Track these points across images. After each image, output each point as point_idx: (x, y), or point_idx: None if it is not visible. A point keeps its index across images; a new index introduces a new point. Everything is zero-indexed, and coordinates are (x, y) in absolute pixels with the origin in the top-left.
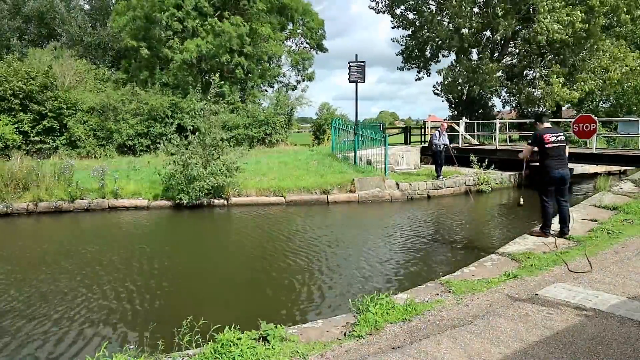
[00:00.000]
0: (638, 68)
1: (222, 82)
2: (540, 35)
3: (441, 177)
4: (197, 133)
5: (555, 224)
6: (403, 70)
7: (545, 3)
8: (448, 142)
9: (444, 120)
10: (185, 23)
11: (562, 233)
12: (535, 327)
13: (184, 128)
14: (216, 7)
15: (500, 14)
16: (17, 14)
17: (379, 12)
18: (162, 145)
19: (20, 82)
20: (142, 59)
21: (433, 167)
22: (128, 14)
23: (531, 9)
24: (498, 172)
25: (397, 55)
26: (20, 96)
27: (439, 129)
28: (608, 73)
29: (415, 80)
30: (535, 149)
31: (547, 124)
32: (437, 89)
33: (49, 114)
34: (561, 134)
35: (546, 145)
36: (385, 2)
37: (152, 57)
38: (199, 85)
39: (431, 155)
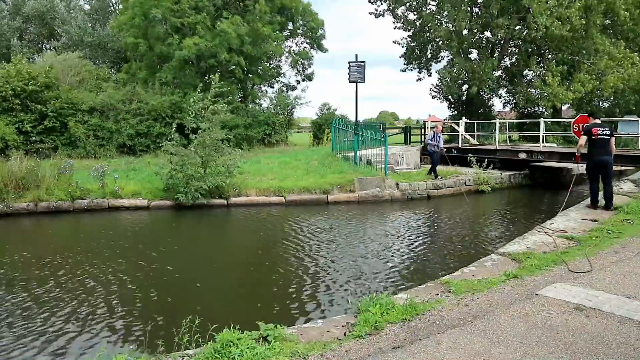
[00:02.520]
0: (634, 74)
1: (222, 83)
2: (536, 32)
3: (439, 177)
4: (196, 133)
5: (601, 200)
6: (405, 71)
7: (538, 2)
8: (441, 144)
9: (444, 120)
10: (183, 20)
11: (607, 207)
12: (535, 327)
13: (184, 128)
14: (217, 6)
15: (497, 13)
16: (17, 14)
17: (378, 17)
18: (164, 145)
19: (21, 82)
20: (142, 57)
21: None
22: (127, 13)
23: (530, 10)
24: (498, 172)
25: (400, 57)
26: (22, 96)
27: (434, 130)
28: (605, 76)
29: (416, 80)
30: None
31: (597, 120)
32: (435, 91)
33: (49, 113)
34: (607, 129)
35: (592, 137)
36: (384, 5)
37: (152, 55)
38: (199, 84)
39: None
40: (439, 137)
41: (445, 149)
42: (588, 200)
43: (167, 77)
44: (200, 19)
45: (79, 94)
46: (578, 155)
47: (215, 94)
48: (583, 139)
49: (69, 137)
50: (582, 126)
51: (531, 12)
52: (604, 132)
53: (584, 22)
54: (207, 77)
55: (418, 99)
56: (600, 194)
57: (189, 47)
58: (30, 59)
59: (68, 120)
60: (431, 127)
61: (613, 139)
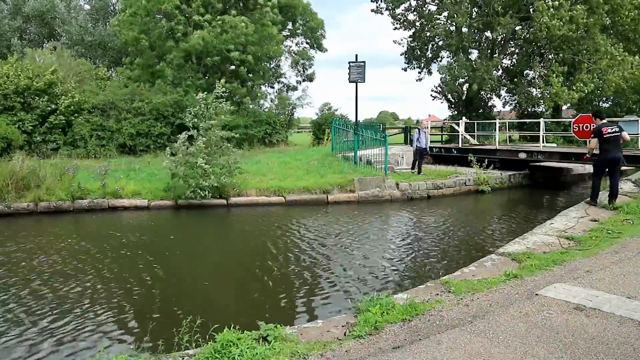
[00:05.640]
0: (636, 73)
1: (225, 88)
2: (540, 31)
3: (414, 171)
4: (198, 132)
5: (604, 197)
6: (407, 70)
7: (543, 2)
8: (426, 143)
9: (444, 120)
10: (189, 16)
11: (609, 202)
12: (535, 327)
13: (185, 127)
14: (224, 4)
15: (500, 12)
16: (17, 14)
17: (377, 13)
18: (174, 143)
19: (26, 81)
20: (143, 54)
21: (433, 167)
22: (129, 10)
23: (531, 9)
24: (498, 172)
25: (400, 55)
26: (24, 94)
27: (418, 128)
28: (607, 75)
29: (417, 80)
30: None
31: (604, 120)
32: (436, 90)
33: (53, 113)
34: (615, 126)
35: (604, 136)
36: (384, 4)
37: (151, 55)
38: (201, 83)
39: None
40: (424, 132)
41: (423, 148)
42: (583, 204)
43: (167, 73)
44: (207, 18)
45: (79, 94)
46: (588, 156)
47: (218, 96)
48: (594, 142)
49: (72, 136)
50: (583, 126)
51: (532, 10)
52: (613, 130)
53: (586, 22)
54: (207, 77)
55: (423, 99)
56: (603, 192)
57: (198, 38)
58: (24, 55)
59: (72, 119)
60: (433, 127)
61: (625, 133)
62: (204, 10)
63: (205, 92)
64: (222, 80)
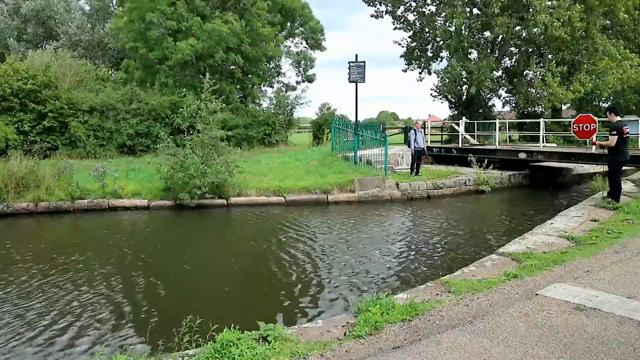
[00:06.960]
0: (633, 75)
1: (215, 82)
2: (538, 30)
3: (414, 174)
4: (194, 132)
5: (601, 196)
6: (406, 71)
7: (540, 1)
8: (423, 144)
9: (444, 120)
10: (181, 24)
11: (609, 202)
12: (535, 327)
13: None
14: (214, 6)
15: (498, 12)
16: (15, 14)
17: (378, 18)
18: (160, 147)
19: (20, 82)
20: (141, 59)
21: (433, 167)
22: (125, 16)
23: (530, 9)
24: (498, 172)
25: (400, 57)
26: (20, 95)
27: (414, 129)
28: (605, 76)
29: (417, 81)
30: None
31: (619, 117)
32: (436, 91)
33: (49, 113)
34: (628, 127)
35: (624, 135)
36: (383, 7)
37: (151, 57)
38: (198, 84)
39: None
40: (420, 132)
41: (422, 149)
42: (592, 199)
43: (166, 79)
44: (194, 22)
45: (79, 94)
46: (596, 143)
47: (211, 92)
48: (614, 139)
49: (69, 137)
50: (583, 126)
51: (531, 11)
52: (628, 130)
53: (584, 24)
54: (205, 77)
55: (423, 99)
56: (602, 192)
57: (183, 50)
58: (24, 54)
59: (68, 120)
60: (433, 127)
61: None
62: (189, 14)
63: (199, 92)
64: (207, 75)
